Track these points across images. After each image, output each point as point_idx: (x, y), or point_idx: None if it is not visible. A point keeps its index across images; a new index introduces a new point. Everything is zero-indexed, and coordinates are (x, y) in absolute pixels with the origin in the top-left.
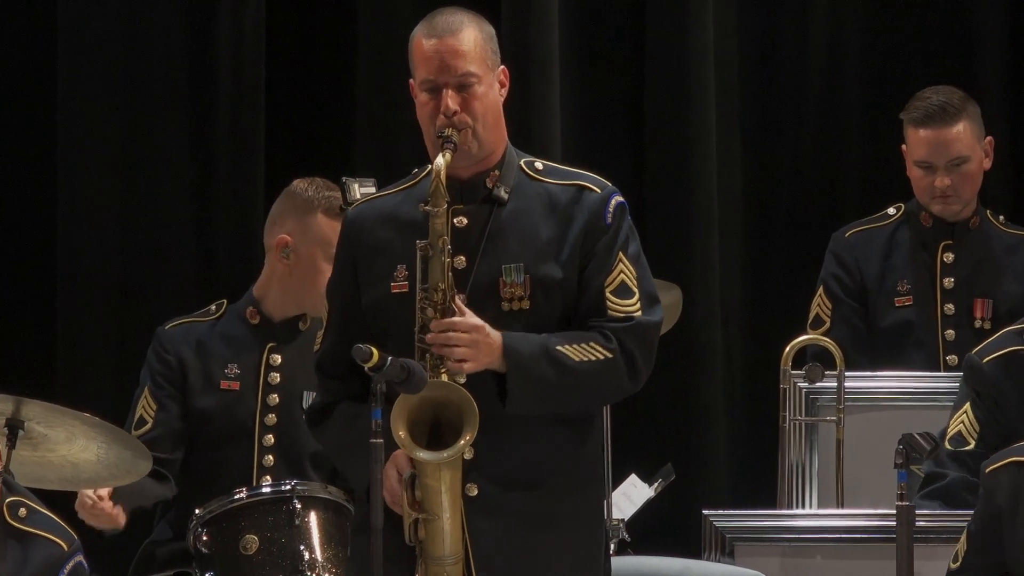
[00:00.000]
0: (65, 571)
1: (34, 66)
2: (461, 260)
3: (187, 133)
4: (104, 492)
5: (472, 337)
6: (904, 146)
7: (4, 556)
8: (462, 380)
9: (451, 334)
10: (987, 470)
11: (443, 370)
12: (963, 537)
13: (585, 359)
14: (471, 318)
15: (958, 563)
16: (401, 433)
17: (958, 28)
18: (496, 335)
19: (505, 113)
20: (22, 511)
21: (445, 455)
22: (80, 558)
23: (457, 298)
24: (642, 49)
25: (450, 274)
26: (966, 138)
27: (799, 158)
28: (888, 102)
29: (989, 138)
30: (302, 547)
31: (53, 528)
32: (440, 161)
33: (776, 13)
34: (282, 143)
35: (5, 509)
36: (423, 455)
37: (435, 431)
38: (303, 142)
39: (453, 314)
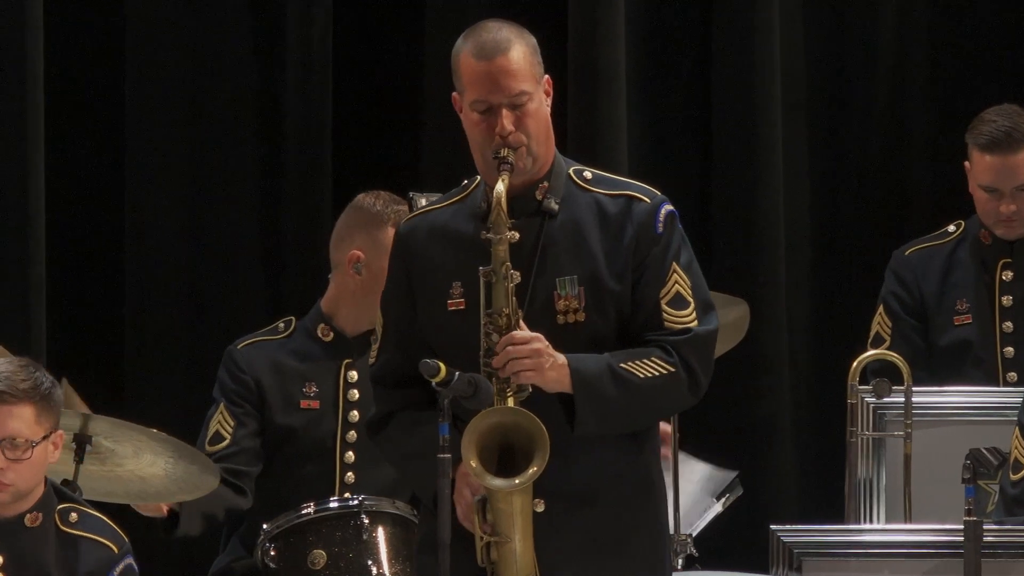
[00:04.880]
0: (115, 573)
1: (103, 92)
2: (516, 275)
3: (255, 151)
4: None
5: (532, 347)
6: (967, 163)
7: (57, 562)
8: (522, 398)
9: (510, 348)
10: None
11: (510, 393)
12: None
13: (649, 375)
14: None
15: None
16: (473, 463)
17: None
18: (560, 356)
19: (572, 127)
20: (73, 516)
21: (517, 482)
22: (130, 560)
23: (522, 321)
24: (708, 63)
25: (514, 299)
26: None
27: (866, 172)
28: (955, 117)
29: None
30: (370, 562)
31: (103, 530)
32: (500, 187)
33: (843, 27)
34: (349, 159)
35: (56, 516)
36: (496, 483)
37: (504, 454)
38: (370, 158)
39: None
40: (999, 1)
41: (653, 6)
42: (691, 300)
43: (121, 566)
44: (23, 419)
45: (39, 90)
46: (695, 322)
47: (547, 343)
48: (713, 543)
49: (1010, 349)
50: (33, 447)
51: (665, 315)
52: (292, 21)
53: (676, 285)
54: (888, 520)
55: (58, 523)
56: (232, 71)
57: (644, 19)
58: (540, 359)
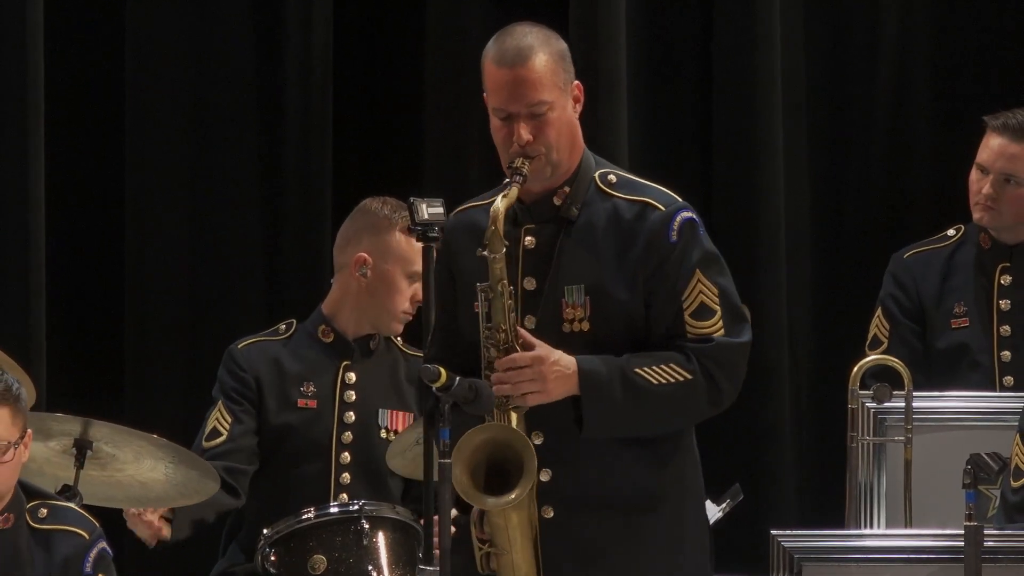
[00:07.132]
0: (89, 559)
1: (102, 89)
2: (531, 282)
3: (255, 153)
4: None
5: (535, 370)
6: None
7: (32, 560)
8: (523, 411)
9: (511, 372)
10: None
11: (510, 407)
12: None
13: (664, 381)
14: (536, 350)
15: None
16: (463, 479)
17: None
18: (569, 361)
19: None
20: (43, 511)
21: (503, 501)
22: (103, 544)
23: (523, 332)
24: (709, 67)
25: (512, 315)
26: None
27: (867, 176)
28: (956, 121)
29: None
30: (370, 567)
31: (73, 520)
32: (499, 204)
33: (844, 29)
34: (349, 163)
35: (27, 514)
36: (484, 501)
37: (497, 469)
38: (371, 160)
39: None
40: (1001, 4)
41: (653, 10)
42: (717, 309)
43: (95, 551)
44: (2, 422)
45: (39, 92)
46: (720, 331)
47: (552, 353)
48: (714, 548)
49: (1007, 353)
50: (14, 448)
51: (688, 326)
52: (293, 23)
53: (700, 295)
54: (888, 525)
55: (29, 521)
56: (233, 73)
57: (644, 23)
58: (544, 382)
